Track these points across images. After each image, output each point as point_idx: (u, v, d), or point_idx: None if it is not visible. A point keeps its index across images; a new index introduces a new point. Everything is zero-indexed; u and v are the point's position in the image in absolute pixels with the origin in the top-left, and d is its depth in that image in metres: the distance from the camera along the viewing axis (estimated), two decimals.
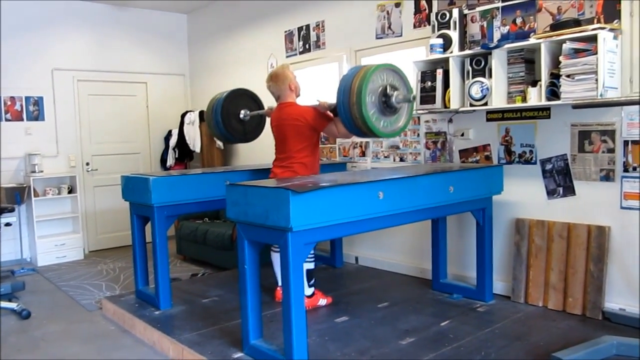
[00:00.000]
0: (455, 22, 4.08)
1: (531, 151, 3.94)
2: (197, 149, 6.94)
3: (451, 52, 4.05)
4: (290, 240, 2.75)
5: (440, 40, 4.09)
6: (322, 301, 4.04)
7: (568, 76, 3.34)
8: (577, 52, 3.32)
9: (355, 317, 3.77)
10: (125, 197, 4.29)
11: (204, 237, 5.67)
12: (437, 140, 4.55)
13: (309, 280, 3.93)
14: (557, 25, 3.52)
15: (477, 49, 3.90)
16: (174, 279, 4.82)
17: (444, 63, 4.08)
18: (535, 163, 3.92)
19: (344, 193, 2.96)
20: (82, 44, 6.79)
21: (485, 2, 4.10)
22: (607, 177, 3.55)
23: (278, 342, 3.10)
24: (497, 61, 3.75)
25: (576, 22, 3.46)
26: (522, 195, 4.01)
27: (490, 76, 3.79)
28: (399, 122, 3.47)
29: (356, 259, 5.33)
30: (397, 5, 4.75)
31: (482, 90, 3.82)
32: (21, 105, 6.31)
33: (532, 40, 3.57)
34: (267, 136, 4.24)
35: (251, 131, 4.69)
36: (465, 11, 4.19)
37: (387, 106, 3.31)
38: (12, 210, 4.91)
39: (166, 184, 3.98)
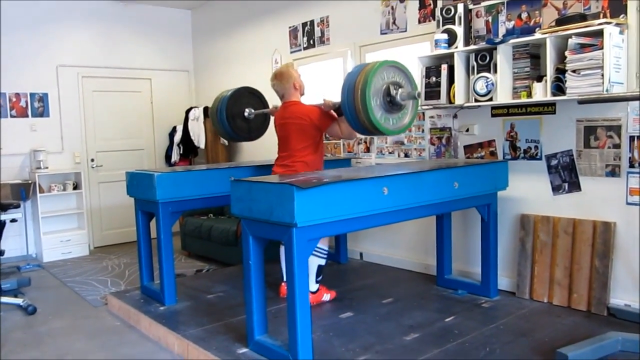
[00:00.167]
0: (460, 17, 4.07)
1: (536, 147, 3.92)
2: (202, 145, 6.95)
3: (456, 48, 4.03)
4: (295, 236, 2.75)
5: (445, 36, 4.08)
6: (326, 296, 4.04)
7: (574, 71, 3.32)
8: (582, 47, 3.30)
9: (359, 313, 3.77)
10: (130, 193, 4.30)
11: (208, 233, 5.68)
12: (441, 136, 4.53)
13: (317, 276, 3.95)
14: (563, 20, 3.50)
15: (482, 44, 3.89)
16: (178, 274, 4.83)
17: (448, 58, 4.07)
18: (540, 159, 3.91)
19: (349, 189, 2.95)
20: (86, 40, 6.79)
21: None
22: (613, 172, 3.53)
23: (283, 337, 3.11)
24: (502, 56, 3.74)
25: (582, 17, 3.44)
26: (527, 191, 4.00)
27: (496, 71, 3.77)
28: (404, 119, 3.45)
29: (361, 254, 5.34)
30: (402, 0, 4.73)
31: (487, 86, 3.80)
32: (26, 102, 6.32)
33: (538, 35, 3.55)
34: (271, 133, 4.23)
35: (255, 129, 4.68)
36: (470, 6, 4.18)
37: (391, 103, 3.30)
38: (18, 206, 4.92)
39: (171, 180, 3.99)
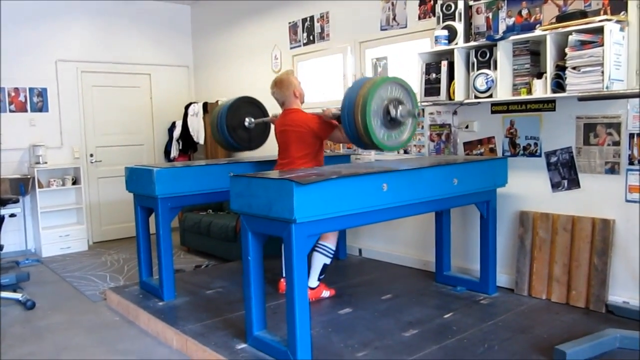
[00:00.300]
0: (460, 14, 4.06)
1: (536, 144, 3.92)
2: (201, 141, 6.94)
3: (456, 44, 4.03)
4: (294, 232, 2.75)
5: (445, 32, 4.07)
6: (325, 293, 4.05)
7: (574, 68, 3.32)
8: (583, 44, 3.30)
9: (358, 309, 3.77)
10: (129, 188, 4.29)
11: (207, 228, 5.68)
12: (441, 132, 4.53)
13: (320, 274, 3.97)
14: (563, 17, 3.50)
15: (482, 41, 3.88)
16: (177, 270, 4.83)
17: (448, 55, 4.06)
18: (540, 156, 3.91)
19: (348, 185, 2.95)
20: (85, 35, 6.78)
21: None
22: (612, 170, 3.53)
23: (282, 333, 3.11)
24: (503, 53, 3.73)
25: (582, 14, 3.43)
26: (527, 188, 4.00)
27: (496, 68, 3.77)
28: (402, 135, 3.45)
29: (359, 251, 5.34)
30: None
31: (487, 82, 3.80)
32: (25, 97, 6.31)
33: (538, 32, 3.54)
34: (271, 132, 4.23)
35: (256, 138, 4.66)
36: (471, 2, 4.17)
37: (391, 120, 3.29)
38: (17, 201, 4.92)
39: (170, 175, 3.98)
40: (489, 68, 3.81)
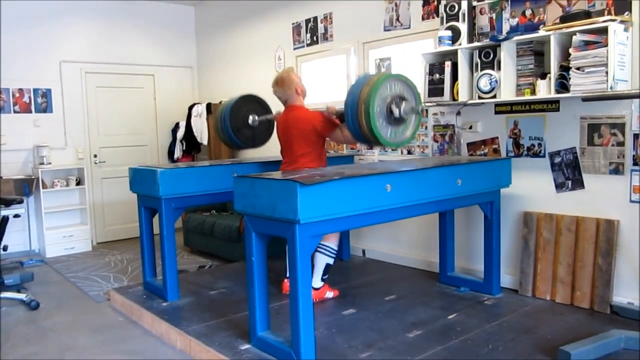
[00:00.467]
0: (464, 14, 4.05)
1: (540, 144, 3.91)
2: (205, 141, 6.95)
3: (460, 44, 4.02)
4: (298, 233, 2.75)
5: (449, 32, 4.06)
6: (329, 294, 4.05)
7: (578, 69, 3.31)
8: (587, 45, 3.29)
9: (362, 310, 3.77)
10: (133, 189, 4.30)
11: (211, 229, 5.69)
12: (445, 133, 4.53)
13: (323, 274, 3.97)
14: (567, 17, 3.49)
15: (486, 41, 3.88)
16: (181, 270, 4.84)
17: (452, 55, 4.06)
18: (544, 156, 3.90)
19: (352, 185, 2.95)
20: (89, 36, 6.79)
21: None
22: (617, 170, 3.53)
23: (285, 334, 3.11)
24: (506, 53, 3.72)
25: (586, 14, 3.43)
26: (531, 189, 3.99)
27: (499, 68, 3.76)
28: (406, 132, 3.45)
29: (363, 251, 5.33)
30: None
31: (490, 83, 3.79)
32: (29, 97, 6.33)
33: (542, 32, 3.54)
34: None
35: (259, 136, 4.64)
36: (474, 3, 4.16)
37: (394, 116, 3.29)
38: (21, 201, 4.93)
39: (174, 176, 3.99)
40: (493, 68, 3.81)
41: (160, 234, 4.07)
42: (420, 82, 4.21)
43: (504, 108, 4.10)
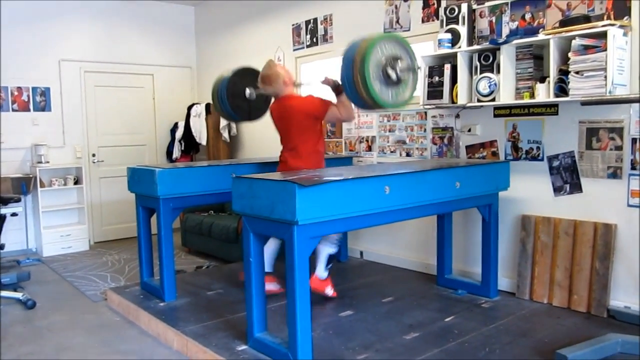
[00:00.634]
0: (463, 17, 4.06)
1: (538, 147, 3.92)
2: (203, 142, 6.94)
3: (459, 47, 4.03)
4: (296, 234, 2.75)
5: (449, 35, 4.07)
6: (329, 291, 4.02)
7: (577, 73, 3.32)
8: (586, 49, 3.30)
9: (359, 312, 3.77)
10: (131, 188, 4.30)
11: (209, 229, 5.68)
12: (443, 135, 4.53)
13: (327, 264, 3.97)
14: (567, 22, 3.50)
15: (486, 45, 3.88)
16: (178, 271, 4.83)
17: (452, 58, 4.07)
18: (542, 160, 3.91)
19: (350, 187, 2.95)
20: (89, 35, 6.79)
21: None
22: (615, 174, 3.53)
23: (283, 335, 3.10)
24: (506, 57, 3.73)
25: (586, 19, 3.44)
26: (529, 192, 4.00)
27: (499, 72, 3.77)
28: (404, 93, 3.44)
29: (361, 253, 5.33)
30: None
31: (489, 86, 3.80)
32: (28, 96, 6.32)
33: (541, 36, 3.55)
34: (272, 129, 4.22)
35: (256, 110, 4.57)
36: (474, 6, 4.17)
37: (391, 77, 3.27)
38: (18, 200, 4.92)
39: (172, 176, 3.99)
40: (492, 72, 3.82)
41: (158, 234, 4.06)
42: (420, 85, 4.21)
43: (503, 111, 4.10)
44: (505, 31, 4.01)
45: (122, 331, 3.82)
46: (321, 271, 3.97)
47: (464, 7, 4.07)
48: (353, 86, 3.25)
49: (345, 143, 5.45)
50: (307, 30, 5.75)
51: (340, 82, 3.49)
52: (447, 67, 4.06)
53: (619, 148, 3.50)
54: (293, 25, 5.92)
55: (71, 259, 5.99)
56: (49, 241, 6.22)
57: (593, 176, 3.64)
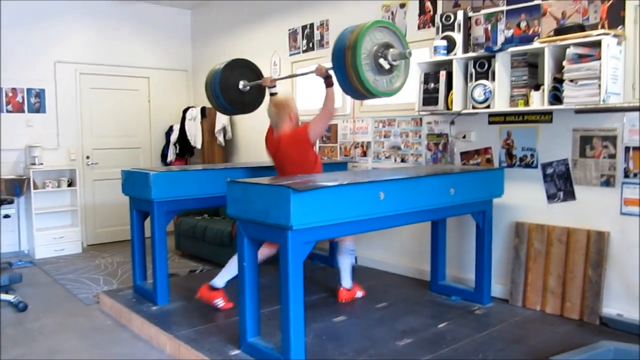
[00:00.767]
0: (459, 25, 4.08)
1: (532, 155, 3.94)
2: (198, 145, 6.94)
3: (455, 54, 4.05)
4: (290, 239, 2.75)
5: (444, 42, 4.09)
6: (359, 293, 4.18)
7: (571, 81, 3.34)
8: (580, 57, 3.32)
9: (353, 317, 3.77)
10: (125, 191, 4.28)
11: (203, 233, 5.67)
12: (438, 141, 4.54)
13: (352, 275, 4.14)
14: (561, 30, 3.52)
15: (481, 52, 3.90)
16: (172, 274, 4.82)
17: (447, 65, 4.09)
18: (536, 167, 3.92)
19: (345, 193, 2.96)
20: (85, 37, 6.78)
21: (490, 5, 4.10)
22: (608, 182, 3.55)
23: (276, 340, 3.10)
24: (501, 64, 3.75)
25: (580, 27, 3.46)
26: (523, 199, 4.01)
27: (494, 79, 3.79)
28: (396, 81, 3.44)
29: (355, 259, 5.32)
30: (402, 6, 4.74)
31: (484, 93, 3.82)
32: (22, 97, 6.30)
33: (536, 45, 3.57)
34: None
35: (250, 103, 4.56)
36: (470, 14, 4.19)
37: (383, 64, 3.27)
38: (11, 202, 4.90)
39: (167, 179, 3.98)
40: (487, 79, 3.83)
41: (151, 237, 4.05)
42: (415, 91, 4.24)
43: (497, 118, 4.12)
44: (500, 39, 4.04)
45: (114, 335, 3.81)
46: (348, 282, 4.12)
47: (460, 14, 4.09)
48: (344, 74, 3.24)
49: (340, 148, 5.45)
50: (303, 35, 5.76)
51: (331, 73, 3.48)
52: (443, 74, 4.08)
53: (612, 156, 3.52)
54: (289, 30, 5.93)
55: (64, 262, 5.96)
56: (41, 243, 6.18)
57: (586, 184, 3.66)
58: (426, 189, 3.41)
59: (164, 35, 7.47)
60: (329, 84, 3.78)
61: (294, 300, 2.80)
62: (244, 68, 4.49)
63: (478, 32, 4.17)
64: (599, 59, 3.23)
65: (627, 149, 3.45)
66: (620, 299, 3.53)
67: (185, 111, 7.19)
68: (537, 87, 3.63)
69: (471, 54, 3.97)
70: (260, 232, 2.95)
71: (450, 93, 4.04)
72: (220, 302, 3.92)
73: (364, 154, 5.20)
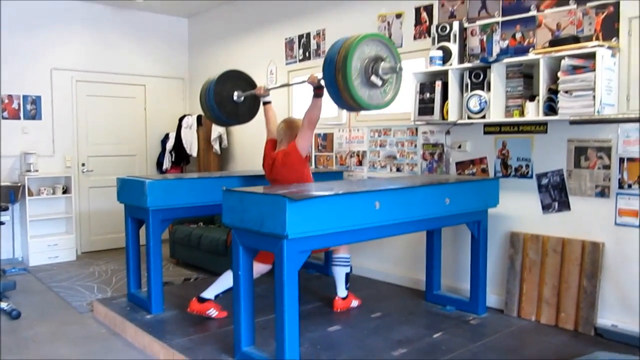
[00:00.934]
0: (455, 35, 4.11)
1: (527, 165, 3.95)
2: (194, 153, 6.94)
3: (450, 65, 4.07)
4: (286, 248, 2.74)
5: (440, 53, 4.11)
6: (354, 302, 4.18)
7: (566, 92, 3.37)
8: (575, 69, 3.35)
9: (347, 327, 3.76)
10: (120, 199, 4.28)
11: (198, 241, 5.66)
12: (434, 151, 4.56)
13: (346, 284, 4.14)
14: (556, 42, 3.55)
15: (477, 63, 3.93)
16: (166, 283, 4.80)
17: (443, 75, 4.11)
18: (531, 177, 3.94)
19: (341, 202, 2.96)
20: (81, 44, 6.78)
21: (486, 16, 4.13)
22: (602, 193, 3.57)
23: (270, 349, 3.09)
24: (496, 75, 3.77)
25: (575, 39, 3.49)
26: (518, 209, 4.02)
27: (489, 90, 3.81)
28: (387, 94, 3.43)
29: (350, 267, 5.31)
30: (398, 16, 4.77)
31: (480, 104, 3.84)
32: (18, 104, 6.29)
33: (531, 56, 3.59)
34: (262, 141, 4.21)
35: (245, 113, 4.52)
36: (466, 24, 4.22)
37: (373, 77, 3.26)
38: (6, 209, 4.89)
39: (162, 187, 3.97)
40: (483, 89, 3.85)
41: (146, 245, 4.03)
42: (411, 101, 4.26)
43: (493, 129, 4.14)
44: (495, 50, 4.06)
45: (107, 343, 3.78)
46: (342, 292, 4.13)
47: (456, 25, 4.12)
48: (335, 86, 3.23)
49: (336, 157, 5.46)
50: (299, 44, 5.78)
51: (322, 84, 3.47)
52: (438, 84, 4.09)
53: (607, 167, 3.54)
54: (286, 39, 5.95)
55: (58, 269, 5.93)
56: (35, 250, 6.15)
57: (581, 194, 3.67)
58: (421, 199, 3.41)
59: (161, 43, 7.49)
60: (318, 94, 3.71)
61: (289, 310, 2.80)
62: (236, 79, 4.47)
63: (474, 42, 4.20)
64: (594, 70, 3.25)
65: (621, 160, 3.47)
66: (615, 310, 3.53)
67: (181, 119, 7.19)
68: (532, 98, 3.65)
69: (467, 65, 4.00)
70: (256, 241, 2.95)
71: (446, 103, 4.05)
72: (213, 312, 3.90)
73: (360, 163, 5.20)
